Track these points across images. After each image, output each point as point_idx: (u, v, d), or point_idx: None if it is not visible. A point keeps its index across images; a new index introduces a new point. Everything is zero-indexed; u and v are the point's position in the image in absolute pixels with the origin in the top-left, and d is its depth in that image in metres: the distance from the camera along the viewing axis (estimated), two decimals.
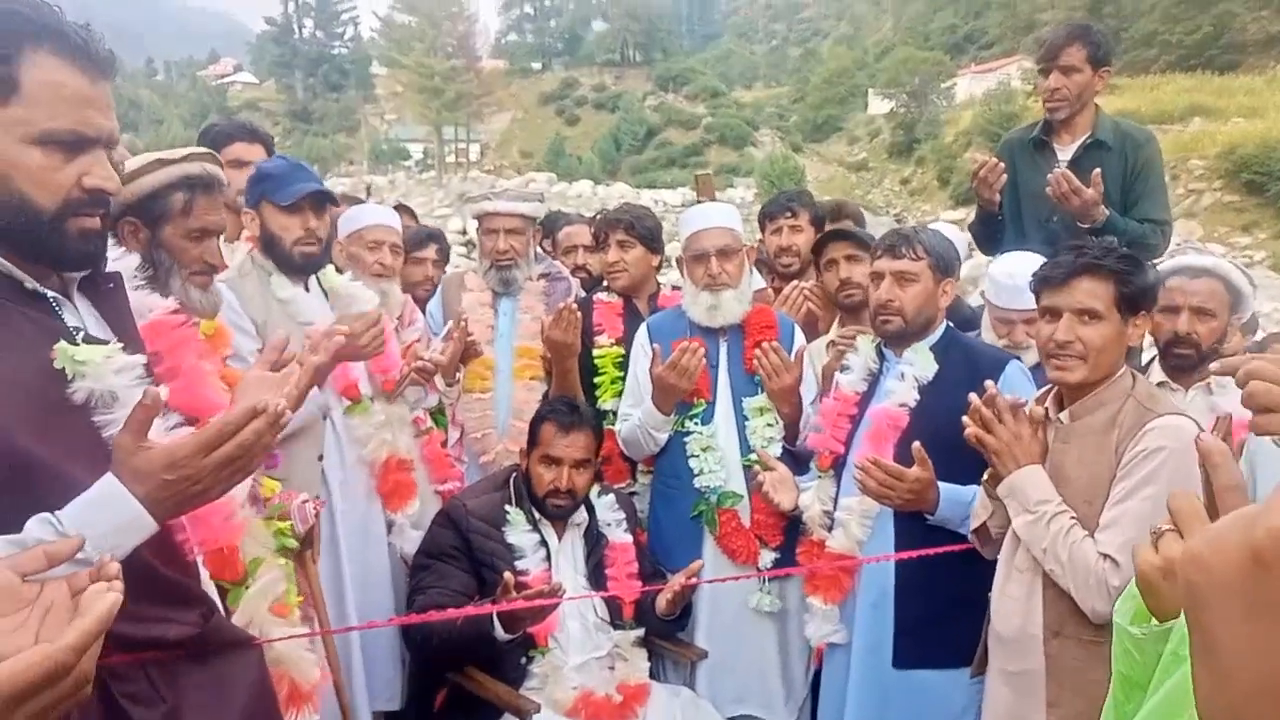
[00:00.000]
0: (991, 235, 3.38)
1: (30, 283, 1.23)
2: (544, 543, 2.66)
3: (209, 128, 3.28)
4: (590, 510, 2.78)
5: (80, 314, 1.30)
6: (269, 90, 77.91)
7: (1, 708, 0.78)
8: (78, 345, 1.24)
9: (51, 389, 1.20)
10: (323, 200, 2.58)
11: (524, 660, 2.54)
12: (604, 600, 2.69)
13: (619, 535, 2.77)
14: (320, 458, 2.58)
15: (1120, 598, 1.00)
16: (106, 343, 1.28)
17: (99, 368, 1.24)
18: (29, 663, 0.80)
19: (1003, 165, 3.17)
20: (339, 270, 2.78)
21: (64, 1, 1.23)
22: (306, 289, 2.62)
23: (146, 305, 1.42)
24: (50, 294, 1.26)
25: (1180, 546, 0.92)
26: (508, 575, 2.27)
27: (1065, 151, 3.27)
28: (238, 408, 1.22)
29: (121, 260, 1.41)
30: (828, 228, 3.40)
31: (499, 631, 2.36)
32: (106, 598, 0.88)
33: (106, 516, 1.14)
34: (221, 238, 2.08)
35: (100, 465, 1.19)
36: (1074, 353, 2.01)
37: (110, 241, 1.38)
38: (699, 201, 3.83)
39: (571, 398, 2.93)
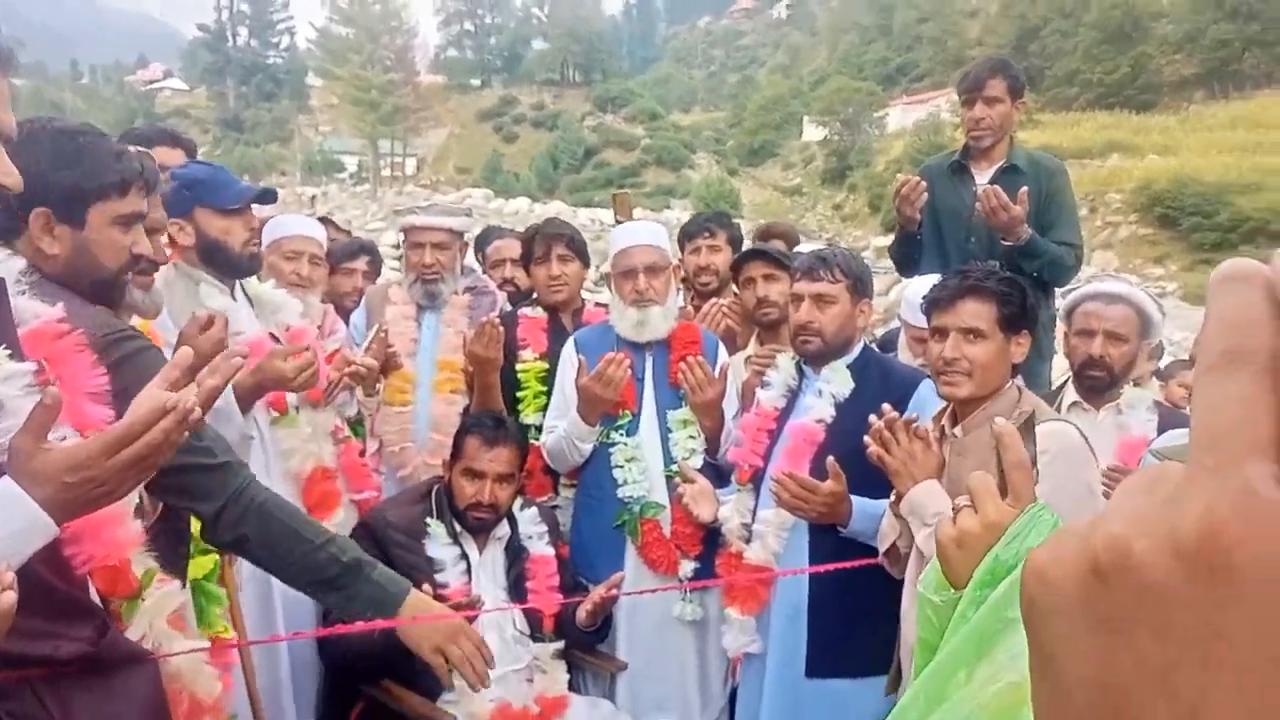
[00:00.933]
0: (909, 256, 3.48)
1: None
2: (464, 556, 2.65)
3: (129, 132, 3.22)
4: (512, 523, 2.78)
5: None
6: (199, 98, 76.25)
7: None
8: None
9: None
10: (268, 200, 2.55)
11: None
12: (524, 613, 2.69)
13: (540, 548, 2.77)
14: None
15: (925, 569, 1.08)
16: (14, 345, 1.25)
17: None
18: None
19: (924, 184, 3.28)
20: (259, 280, 2.74)
21: None
22: (234, 298, 2.58)
23: (31, 312, 1.37)
24: None
25: (973, 520, 1.01)
26: (425, 589, 2.25)
27: (982, 176, 3.39)
28: (144, 407, 1.20)
29: (4, 264, 1.37)
30: (746, 247, 3.47)
31: None
32: (5, 595, 0.86)
33: (3, 520, 1.11)
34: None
35: None
36: (960, 369, 2.11)
37: None
38: (617, 220, 3.88)
39: (497, 412, 2.93)
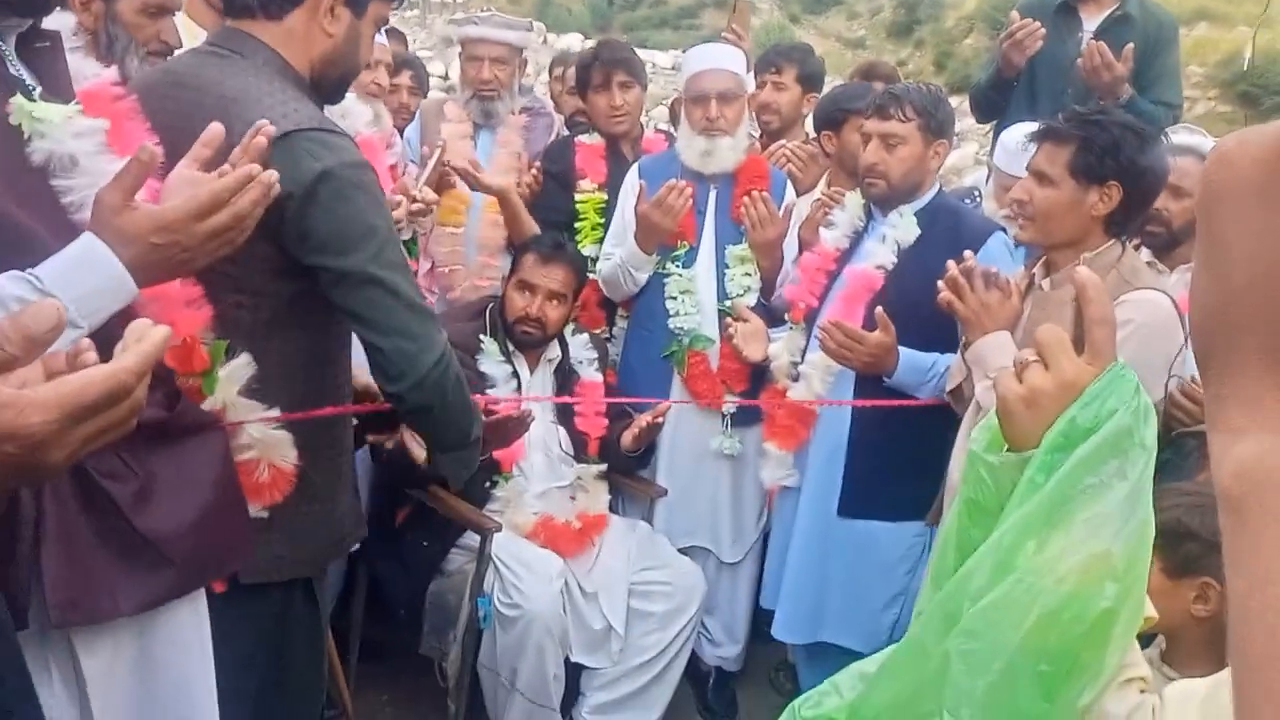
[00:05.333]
0: (997, 104, 3.31)
1: None
2: (516, 374, 2.69)
3: None
4: (564, 348, 2.80)
5: (22, 71, 1.21)
6: None
7: (66, 422, 0.77)
8: (34, 101, 1.16)
9: (12, 144, 1.14)
10: None
11: (488, 485, 2.61)
12: (569, 435, 2.75)
13: (590, 374, 2.81)
14: None
15: (978, 427, 1.00)
16: (66, 101, 1.21)
17: (59, 128, 1.17)
18: (91, 380, 0.79)
19: (1042, 30, 3.05)
20: None
21: None
22: None
23: (82, 72, 1.31)
24: None
25: (1045, 377, 0.92)
26: (477, 398, 2.30)
27: (1091, 21, 3.18)
28: (233, 175, 1.18)
29: (56, 18, 1.30)
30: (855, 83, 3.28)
31: None
32: (159, 328, 0.87)
33: (87, 278, 1.10)
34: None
35: (65, 231, 1.14)
36: (1026, 213, 2.04)
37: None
38: (730, 29, 3.56)
39: (558, 236, 2.89)
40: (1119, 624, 0.86)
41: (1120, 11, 3.14)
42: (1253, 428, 0.26)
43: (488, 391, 2.58)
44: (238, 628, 1.55)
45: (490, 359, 2.65)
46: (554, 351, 2.77)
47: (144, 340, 0.84)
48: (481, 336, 2.67)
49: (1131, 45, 2.91)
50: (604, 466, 2.76)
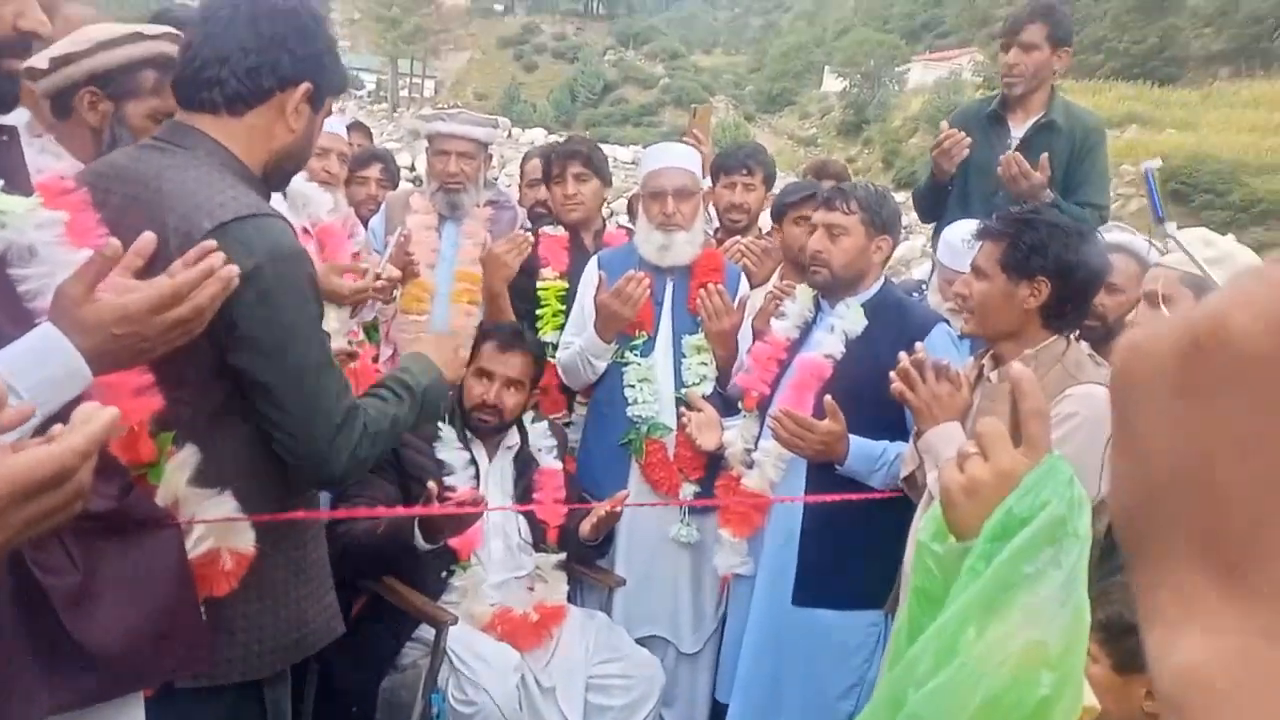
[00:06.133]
0: (935, 206, 3.46)
1: None
2: (474, 462, 2.69)
3: (163, 13, 3.16)
4: (523, 435, 2.82)
5: None
6: None
7: (7, 503, 0.76)
8: None
9: None
10: None
11: (445, 575, 2.58)
12: (528, 524, 2.74)
13: (549, 461, 2.82)
14: None
15: (925, 516, 1.04)
16: (24, 194, 1.24)
17: (21, 219, 1.19)
18: (38, 460, 0.78)
19: (967, 140, 3.20)
20: None
21: None
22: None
23: (35, 166, 1.35)
24: None
25: (984, 468, 0.95)
26: (431, 484, 2.30)
27: (1019, 129, 3.31)
28: (195, 269, 1.21)
29: (14, 114, 1.33)
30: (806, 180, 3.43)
31: (419, 540, 2.39)
32: (107, 409, 0.87)
33: (43, 367, 1.11)
34: None
35: (20, 322, 1.15)
36: (968, 306, 2.14)
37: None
38: (690, 133, 3.72)
39: (517, 325, 2.95)
40: (1056, 713, 0.88)
41: (1046, 119, 3.27)
42: (1188, 623, 0.26)
43: (445, 479, 2.58)
44: None
45: (448, 446, 2.66)
46: (513, 439, 2.79)
47: (90, 422, 0.85)
48: (440, 424, 2.68)
49: (1047, 155, 3.02)
50: (563, 556, 2.75)
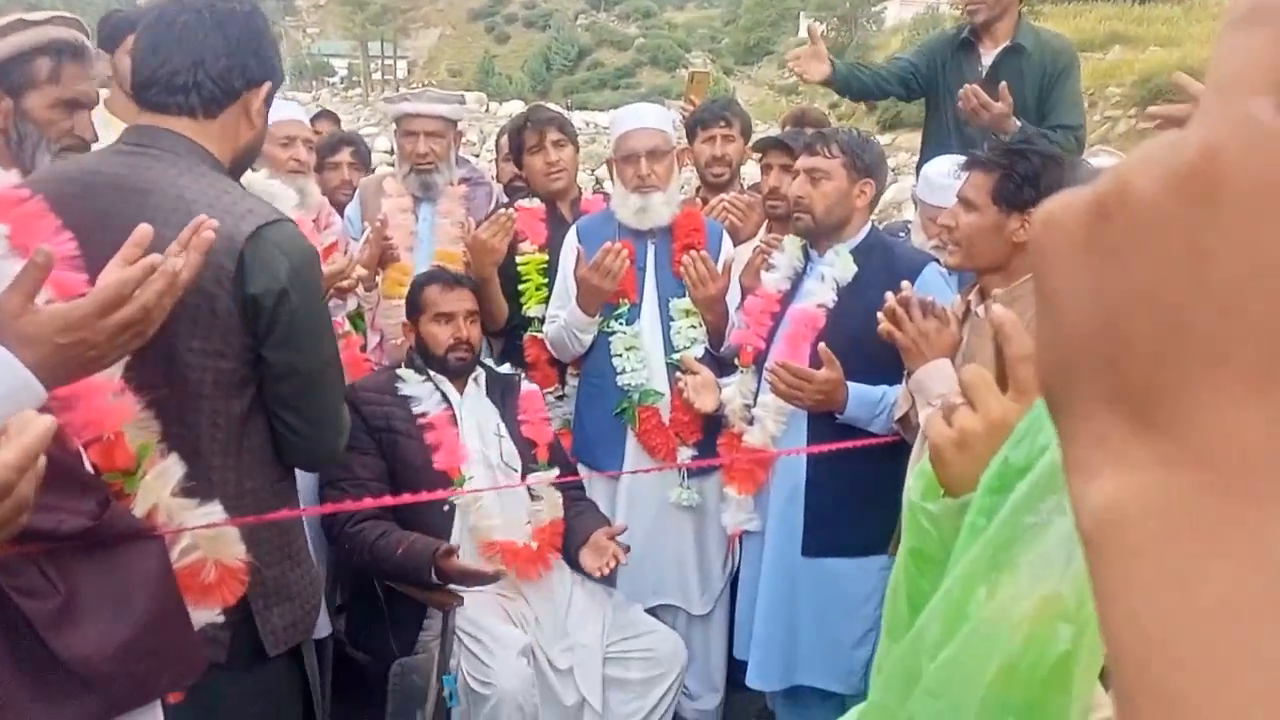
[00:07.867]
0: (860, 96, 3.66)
1: None
2: (444, 396, 2.66)
3: (111, 14, 3.09)
4: (484, 366, 2.81)
5: None
6: None
7: None
8: None
9: None
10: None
11: (445, 508, 2.55)
12: (514, 445, 2.70)
13: (526, 384, 2.83)
14: None
15: (913, 474, 0.99)
16: None
17: None
18: None
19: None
20: (253, 170, 2.68)
21: None
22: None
23: None
24: None
25: (973, 419, 0.91)
26: (444, 545, 2.34)
27: (988, 55, 3.29)
28: (136, 266, 1.17)
29: None
30: (787, 130, 3.40)
31: (432, 576, 2.39)
32: (43, 418, 0.84)
33: None
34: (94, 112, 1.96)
35: None
36: (954, 239, 2.09)
37: None
38: (690, 101, 3.68)
39: (442, 265, 2.93)
40: (1079, 666, 0.85)
41: (1013, 44, 3.24)
42: (1102, 466, 0.27)
43: (413, 408, 2.57)
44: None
45: (411, 384, 2.62)
46: (475, 370, 2.75)
47: (25, 433, 0.82)
48: (398, 370, 2.66)
49: (1006, 84, 2.99)
50: (555, 472, 2.72)
